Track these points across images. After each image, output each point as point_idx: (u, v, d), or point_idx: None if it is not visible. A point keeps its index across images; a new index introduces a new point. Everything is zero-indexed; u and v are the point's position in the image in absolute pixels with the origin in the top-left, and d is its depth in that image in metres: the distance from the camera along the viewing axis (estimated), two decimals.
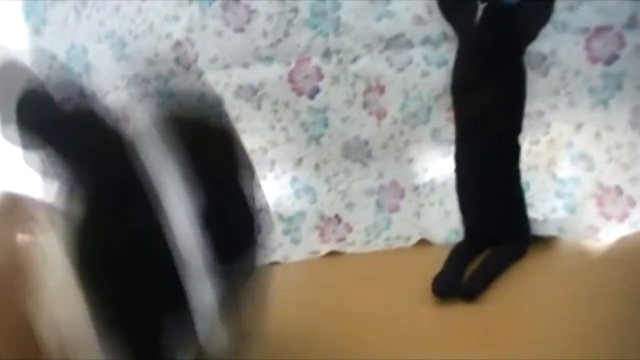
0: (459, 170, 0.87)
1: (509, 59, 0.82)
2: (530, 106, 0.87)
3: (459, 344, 0.70)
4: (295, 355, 0.66)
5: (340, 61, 0.91)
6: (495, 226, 0.85)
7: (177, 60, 0.94)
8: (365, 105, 0.91)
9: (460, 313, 0.75)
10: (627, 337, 0.65)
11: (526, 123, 0.87)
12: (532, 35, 0.83)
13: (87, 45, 0.97)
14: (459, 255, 0.82)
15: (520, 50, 0.83)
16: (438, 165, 0.91)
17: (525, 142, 0.88)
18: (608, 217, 0.84)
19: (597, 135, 0.86)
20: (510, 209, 0.84)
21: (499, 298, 0.77)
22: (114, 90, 0.99)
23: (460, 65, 0.85)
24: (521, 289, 0.78)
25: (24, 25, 0.97)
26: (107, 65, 0.97)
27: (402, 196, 0.92)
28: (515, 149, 0.84)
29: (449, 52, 0.88)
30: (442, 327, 0.73)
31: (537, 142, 0.88)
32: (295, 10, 0.89)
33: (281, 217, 0.97)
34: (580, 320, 0.70)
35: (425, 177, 0.92)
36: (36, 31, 0.97)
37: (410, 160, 0.92)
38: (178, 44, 0.93)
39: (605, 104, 0.85)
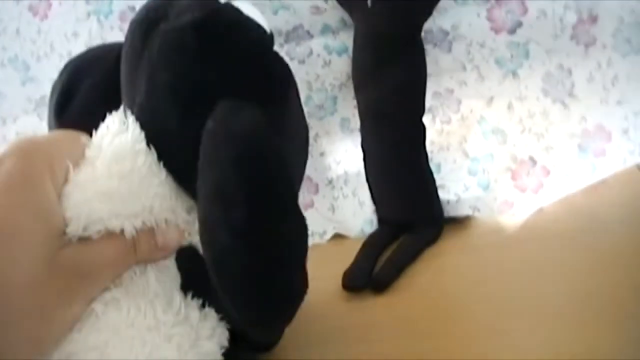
0: (366, 158, 0.84)
1: (405, 39, 0.80)
2: (439, 84, 0.84)
3: (373, 336, 0.67)
4: None
5: None
6: (407, 212, 0.82)
7: None
8: None
9: (374, 304, 0.72)
10: (544, 312, 0.63)
11: (436, 102, 0.85)
12: (427, 12, 0.81)
13: None
14: (371, 245, 0.80)
15: (416, 28, 0.80)
16: (350, 155, 0.88)
17: (437, 121, 0.86)
18: (523, 190, 0.81)
19: (509, 106, 0.83)
20: (420, 193, 0.81)
21: (413, 285, 0.74)
22: (24, 114, 0.97)
23: (358, 51, 0.83)
24: (435, 272, 0.75)
25: None
26: (14, 90, 0.96)
27: (316, 191, 0.89)
28: (420, 131, 0.81)
29: (348, 39, 0.86)
30: (357, 320, 0.70)
31: (448, 121, 0.86)
32: None
33: None
34: (498, 299, 0.67)
35: (339, 170, 0.89)
36: None
37: (322, 154, 0.90)
38: None
39: (514, 74, 0.82)
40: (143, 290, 0.49)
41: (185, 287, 0.50)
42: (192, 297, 0.51)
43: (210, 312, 0.52)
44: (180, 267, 0.50)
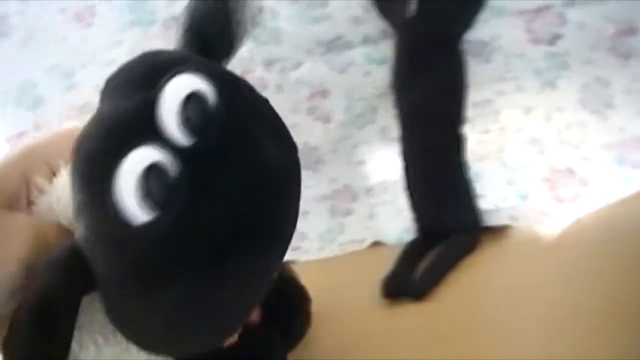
0: (406, 167, 0.85)
1: (445, 49, 0.81)
2: (478, 95, 0.85)
3: (412, 343, 0.68)
4: None
5: (282, 69, 0.90)
6: (445, 221, 0.83)
7: None
8: (310, 111, 0.90)
9: (412, 312, 0.73)
10: (585, 322, 0.63)
11: (475, 112, 0.85)
12: (468, 23, 0.81)
13: (36, 79, 0.97)
14: (409, 253, 0.80)
15: (457, 39, 0.81)
16: (389, 164, 0.89)
17: (475, 131, 0.87)
18: (560, 200, 0.82)
19: (547, 117, 0.84)
20: (458, 202, 0.82)
21: (451, 293, 0.74)
22: (67, 120, 0.99)
23: (397, 60, 0.84)
24: (473, 282, 0.76)
25: None
26: (58, 97, 0.97)
27: (355, 199, 0.90)
28: (460, 140, 0.82)
29: (389, 49, 0.86)
30: (395, 328, 0.71)
31: (487, 131, 0.87)
32: None
33: None
34: (536, 308, 0.68)
35: (377, 178, 0.91)
36: None
37: (361, 162, 0.91)
38: None
39: (552, 85, 0.83)
40: None
41: None
42: None
43: None
44: None
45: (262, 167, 0.41)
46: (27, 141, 0.52)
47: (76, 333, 0.43)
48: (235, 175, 0.39)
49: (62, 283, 0.39)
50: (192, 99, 0.39)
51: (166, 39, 0.92)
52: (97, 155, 0.39)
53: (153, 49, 0.49)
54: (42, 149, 0.50)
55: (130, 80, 0.43)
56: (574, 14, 0.79)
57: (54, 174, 0.50)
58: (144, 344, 0.46)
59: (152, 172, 0.37)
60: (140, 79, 0.42)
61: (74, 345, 0.46)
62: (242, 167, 0.40)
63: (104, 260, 0.40)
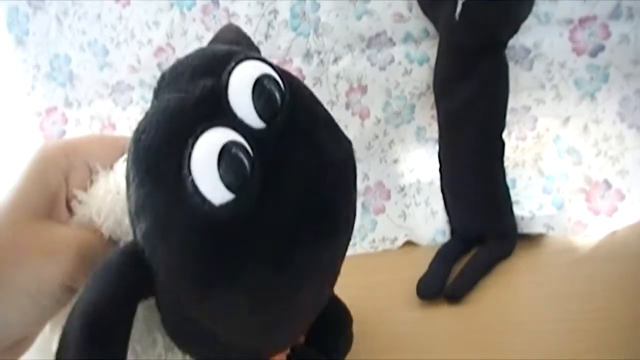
0: (443, 169, 0.85)
1: (489, 53, 0.81)
2: (516, 101, 0.85)
3: (445, 346, 0.69)
4: None
5: (321, 62, 0.89)
6: (481, 225, 0.83)
7: (159, 66, 0.94)
8: (347, 105, 0.90)
9: (445, 315, 0.74)
10: (618, 335, 0.63)
11: (512, 118, 0.86)
12: (513, 29, 0.81)
13: (70, 54, 0.96)
14: (445, 256, 0.81)
15: (501, 44, 0.81)
16: (424, 164, 0.90)
17: (512, 138, 0.87)
18: (596, 212, 0.82)
19: (585, 128, 0.84)
20: (495, 207, 0.82)
21: (485, 298, 0.75)
22: (99, 98, 0.98)
23: (441, 62, 0.84)
24: (508, 288, 0.77)
25: (7, 36, 0.96)
26: (91, 74, 0.97)
27: (387, 197, 0.91)
28: (500, 146, 0.82)
29: (430, 49, 0.86)
30: (428, 329, 0.72)
31: (523, 138, 0.87)
32: (275, 12, 0.88)
33: None
34: (568, 318, 0.68)
35: (411, 178, 0.91)
36: (19, 42, 0.97)
37: (396, 161, 0.91)
38: (160, 49, 0.92)
39: (592, 96, 0.83)
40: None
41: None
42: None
43: None
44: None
45: (324, 157, 0.41)
46: (66, 139, 0.51)
47: None
48: (301, 161, 0.40)
49: (117, 291, 0.37)
50: (260, 84, 0.39)
51: (204, 22, 0.91)
52: (168, 139, 0.39)
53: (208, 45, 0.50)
54: (82, 150, 0.49)
55: (193, 70, 0.42)
56: (618, 27, 0.79)
57: (91, 180, 0.49)
58: (201, 353, 0.45)
59: (227, 152, 0.36)
60: (204, 68, 0.42)
61: (148, 340, 0.46)
62: (306, 154, 0.40)
63: (172, 255, 0.38)
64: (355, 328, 0.68)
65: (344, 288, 0.70)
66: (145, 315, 0.45)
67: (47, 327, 0.48)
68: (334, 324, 0.64)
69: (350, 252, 0.88)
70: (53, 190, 0.46)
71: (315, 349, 0.61)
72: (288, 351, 0.54)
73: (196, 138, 0.37)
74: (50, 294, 0.44)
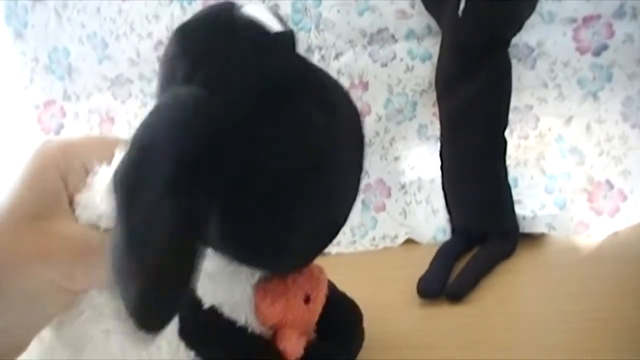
0: (444, 167, 0.84)
1: (492, 51, 0.80)
2: (519, 100, 0.85)
3: (445, 345, 0.68)
4: None
5: (322, 57, 0.89)
6: (482, 224, 0.83)
7: (158, 59, 0.92)
8: None
9: (446, 313, 0.73)
10: (620, 335, 0.63)
11: (515, 117, 0.85)
12: (516, 27, 0.81)
13: (68, 48, 0.95)
14: (445, 254, 0.80)
15: (504, 42, 0.81)
16: (425, 162, 0.89)
17: (514, 136, 0.87)
18: (599, 213, 0.82)
19: (588, 128, 0.84)
20: (497, 206, 0.82)
21: (486, 297, 0.74)
22: (97, 91, 0.98)
23: (443, 59, 0.83)
24: (509, 287, 0.76)
25: (5, 29, 0.95)
26: (90, 67, 0.96)
27: (388, 195, 0.90)
28: (502, 145, 0.81)
29: (433, 46, 0.86)
30: (428, 327, 0.71)
31: (526, 137, 0.86)
32: (276, 6, 0.87)
33: None
34: (570, 318, 0.67)
35: (412, 175, 0.90)
36: (18, 35, 0.96)
37: (397, 158, 0.91)
38: (159, 43, 0.92)
39: (595, 95, 0.83)
40: None
41: (181, 335, 0.47)
42: (185, 346, 0.48)
43: None
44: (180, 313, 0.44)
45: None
46: (65, 140, 0.50)
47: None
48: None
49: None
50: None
51: None
52: None
53: None
54: (79, 150, 0.48)
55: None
56: (623, 26, 0.79)
57: (90, 181, 0.48)
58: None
59: None
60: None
61: (152, 348, 0.46)
62: None
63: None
64: None
65: (344, 285, 0.70)
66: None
67: (47, 329, 0.47)
68: (348, 315, 0.65)
69: (350, 249, 0.89)
70: (52, 192, 0.46)
71: (329, 345, 0.60)
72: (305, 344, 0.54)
73: None
74: (49, 297, 0.43)
